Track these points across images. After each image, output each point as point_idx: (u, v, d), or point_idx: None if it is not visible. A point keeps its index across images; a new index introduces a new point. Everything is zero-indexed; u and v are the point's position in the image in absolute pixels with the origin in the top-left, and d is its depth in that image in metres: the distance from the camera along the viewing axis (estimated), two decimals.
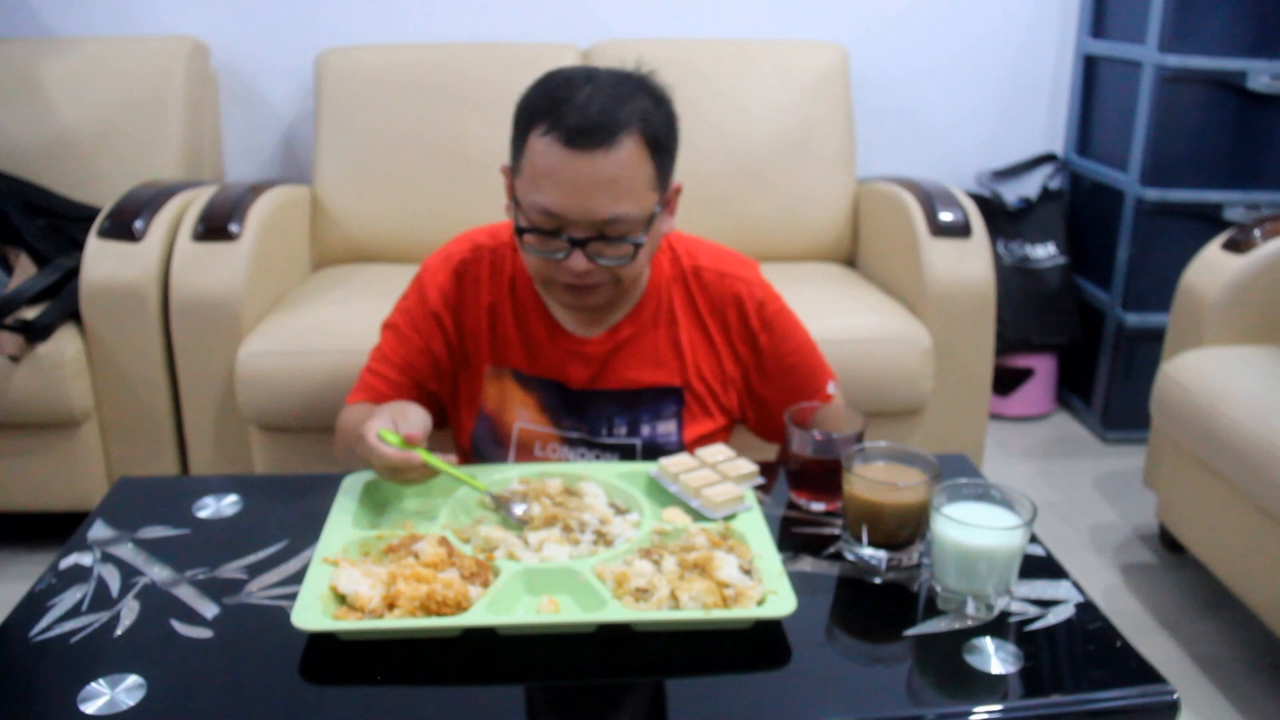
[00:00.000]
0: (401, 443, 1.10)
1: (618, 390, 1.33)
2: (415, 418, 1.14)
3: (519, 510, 1.10)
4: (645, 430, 1.33)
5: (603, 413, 1.32)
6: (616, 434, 1.33)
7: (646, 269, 1.32)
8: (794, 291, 1.42)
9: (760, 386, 1.38)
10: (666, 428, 1.33)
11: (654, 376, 1.33)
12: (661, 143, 1.18)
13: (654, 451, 1.32)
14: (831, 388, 1.41)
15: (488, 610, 0.93)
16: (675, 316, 1.33)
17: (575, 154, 1.12)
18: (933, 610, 0.98)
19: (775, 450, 1.40)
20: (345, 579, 0.95)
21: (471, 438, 1.35)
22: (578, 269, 1.17)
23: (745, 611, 0.93)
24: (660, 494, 1.15)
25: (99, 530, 1.10)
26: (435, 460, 1.11)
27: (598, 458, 1.33)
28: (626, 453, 1.33)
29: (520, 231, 1.19)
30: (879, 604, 1.01)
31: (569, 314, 1.32)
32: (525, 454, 1.34)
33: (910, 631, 0.96)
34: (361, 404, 1.31)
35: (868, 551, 1.04)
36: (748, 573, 0.98)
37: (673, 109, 1.21)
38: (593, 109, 1.12)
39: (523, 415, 1.33)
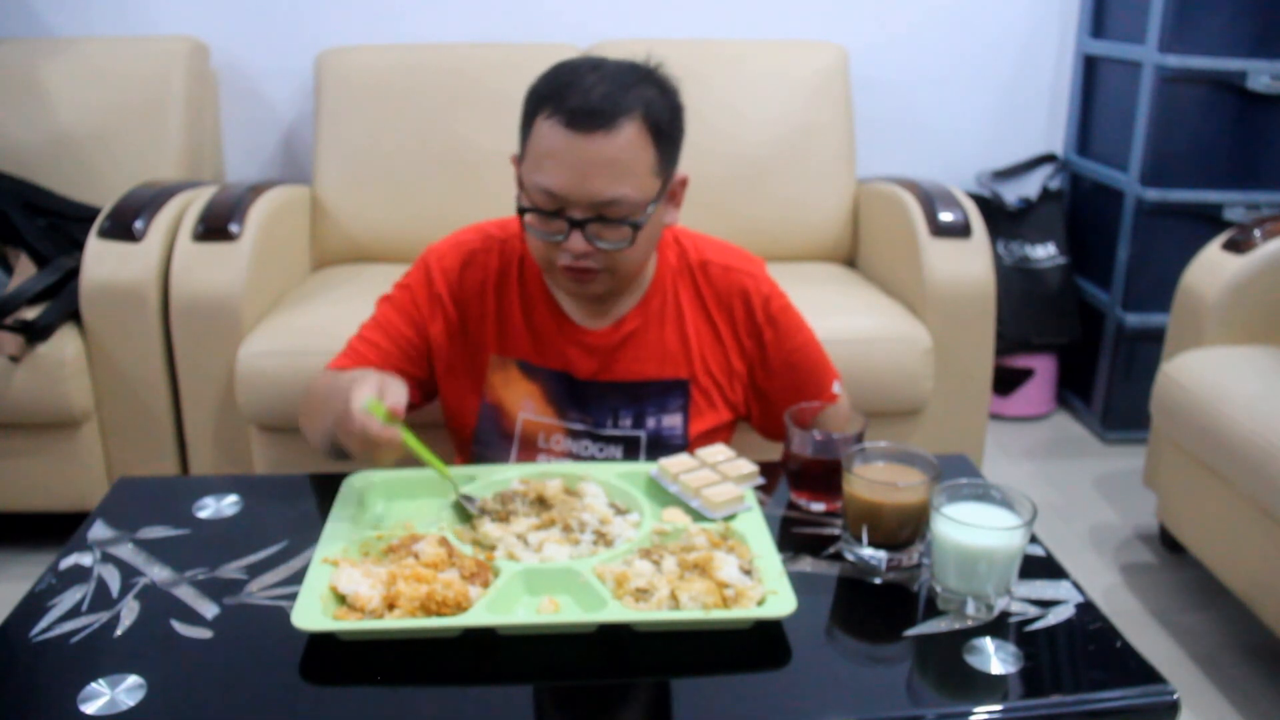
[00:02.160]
0: (388, 417, 1.05)
1: (624, 382, 1.33)
2: (401, 392, 1.10)
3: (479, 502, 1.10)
4: (651, 423, 1.33)
5: (608, 404, 1.33)
6: (621, 426, 1.33)
7: (651, 261, 1.32)
8: (794, 291, 1.42)
9: (764, 382, 1.38)
10: (672, 421, 1.34)
11: (660, 369, 1.33)
12: (664, 130, 1.19)
13: (659, 445, 1.32)
14: (837, 388, 1.40)
15: (488, 610, 0.92)
16: (682, 310, 1.34)
17: (577, 135, 1.14)
18: (933, 610, 0.98)
19: (777, 450, 1.40)
20: (345, 579, 0.95)
21: (474, 431, 1.35)
22: (576, 250, 1.19)
23: (745, 612, 0.93)
24: (660, 494, 1.15)
25: (99, 530, 1.10)
26: (417, 444, 1.09)
27: (601, 450, 1.33)
28: (630, 444, 1.33)
29: (522, 212, 1.21)
30: (879, 604, 1.01)
31: (576, 305, 1.32)
32: (528, 445, 1.34)
33: (910, 632, 0.96)
34: (340, 371, 1.26)
35: (868, 551, 1.04)
36: (748, 573, 0.98)
37: (678, 99, 1.23)
38: (596, 93, 1.15)
39: (527, 406, 1.33)
